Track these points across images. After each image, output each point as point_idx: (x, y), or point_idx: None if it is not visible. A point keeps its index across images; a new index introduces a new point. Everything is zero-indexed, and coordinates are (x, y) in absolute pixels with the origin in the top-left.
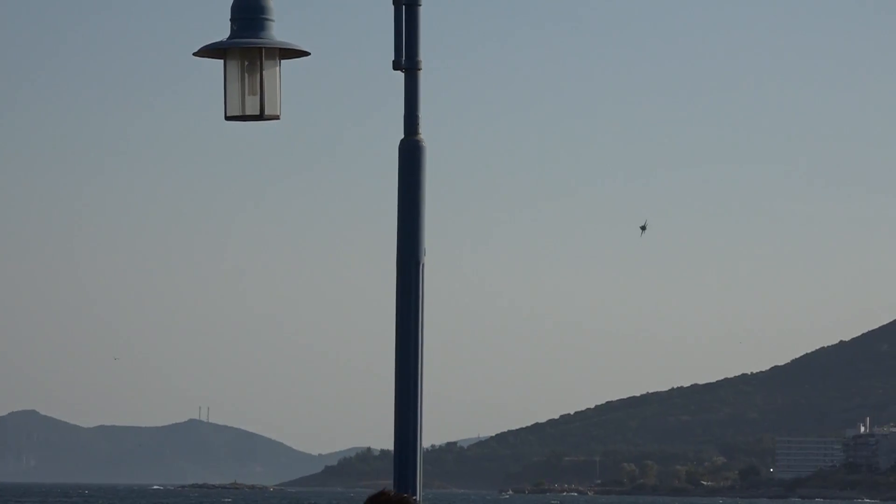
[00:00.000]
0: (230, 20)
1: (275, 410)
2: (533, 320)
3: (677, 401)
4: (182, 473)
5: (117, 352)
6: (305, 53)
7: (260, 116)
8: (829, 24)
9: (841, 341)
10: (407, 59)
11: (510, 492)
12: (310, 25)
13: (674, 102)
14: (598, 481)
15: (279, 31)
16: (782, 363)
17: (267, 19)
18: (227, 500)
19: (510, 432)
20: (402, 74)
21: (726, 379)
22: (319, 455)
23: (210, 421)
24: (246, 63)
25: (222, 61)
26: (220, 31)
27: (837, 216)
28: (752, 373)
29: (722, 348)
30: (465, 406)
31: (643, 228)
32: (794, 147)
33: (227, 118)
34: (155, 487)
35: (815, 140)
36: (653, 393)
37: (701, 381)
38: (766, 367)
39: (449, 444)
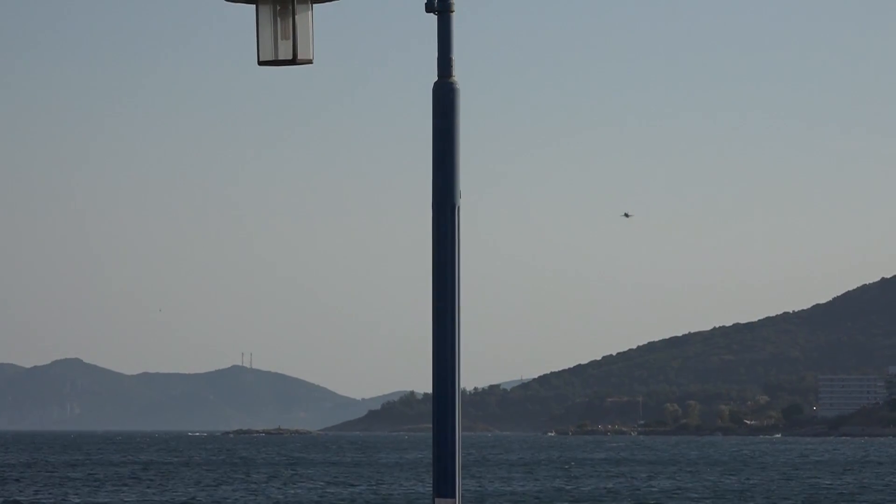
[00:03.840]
0: None
1: (317, 356)
2: (575, 262)
3: (719, 340)
4: (225, 419)
5: (161, 302)
6: None
7: (293, 61)
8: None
9: (882, 278)
10: (440, 1)
11: (554, 433)
12: None
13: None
14: (642, 422)
15: None
16: (824, 301)
17: None
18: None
19: (553, 374)
20: (435, 17)
21: (768, 318)
22: (363, 399)
23: (253, 367)
24: (278, 7)
25: (254, 6)
26: None
27: (878, 154)
28: (793, 311)
29: (763, 287)
30: (508, 349)
31: (626, 216)
32: (836, 85)
33: (261, 63)
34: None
35: (856, 83)
36: (695, 333)
37: (743, 321)
38: (807, 305)
39: (492, 386)
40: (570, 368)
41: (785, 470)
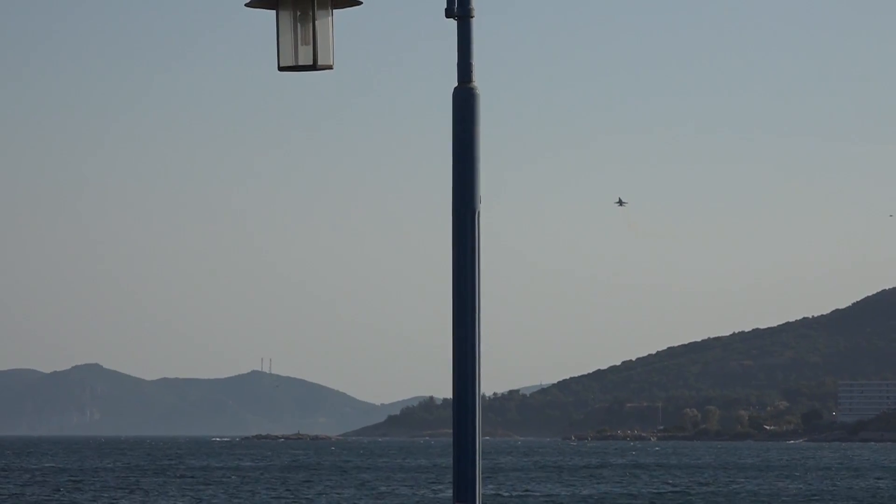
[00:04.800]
0: None
1: (337, 361)
2: (595, 267)
3: (739, 345)
4: (245, 425)
5: (173, 305)
6: (358, 3)
7: (313, 66)
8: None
9: None
10: (459, 7)
11: (573, 438)
12: None
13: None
14: (661, 427)
15: None
16: (843, 306)
17: None
18: (296, 451)
19: (572, 379)
20: (455, 22)
21: (788, 323)
22: (382, 405)
23: (273, 372)
24: (298, 13)
25: (275, 11)
26: None
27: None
28: (813, 316)
29: (783, 292)
30: (528, 354)
31: (620, 203)
32: (855, 87)
33: (281, 69)
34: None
35: (874, 85)
36: (714, 338)
37: (762, 326)
38: (827, 310)
39: (511, 392)
40: (589, 374)
41: None
